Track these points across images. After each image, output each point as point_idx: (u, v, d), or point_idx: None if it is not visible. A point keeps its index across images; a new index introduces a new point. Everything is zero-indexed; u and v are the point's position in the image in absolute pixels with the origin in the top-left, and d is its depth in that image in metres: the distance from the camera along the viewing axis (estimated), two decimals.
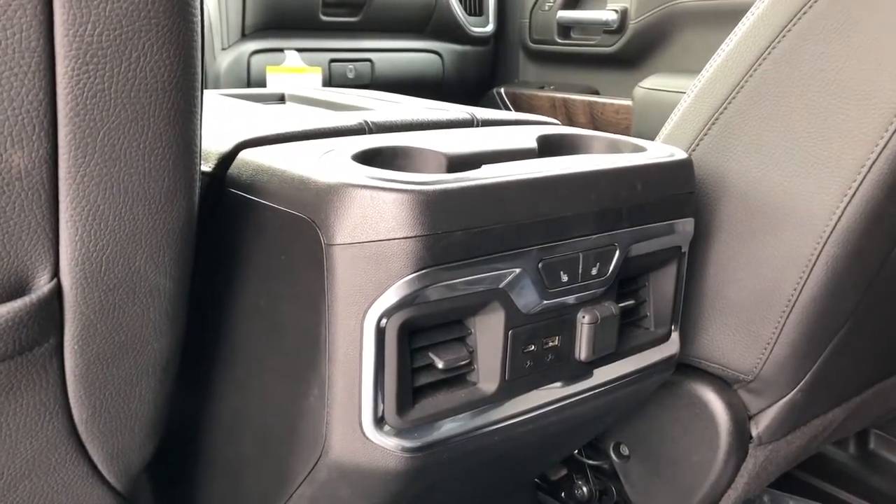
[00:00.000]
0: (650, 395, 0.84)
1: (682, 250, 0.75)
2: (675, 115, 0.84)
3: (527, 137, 0.74)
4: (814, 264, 0.74)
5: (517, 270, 0.60)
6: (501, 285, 0.60)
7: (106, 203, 0.48)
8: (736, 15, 0.81)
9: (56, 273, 0.48)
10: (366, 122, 0.77)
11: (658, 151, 0.72)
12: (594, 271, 0.65)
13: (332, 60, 2.11)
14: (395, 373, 0.57)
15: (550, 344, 0.65)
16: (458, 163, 0.65)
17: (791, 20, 0.74)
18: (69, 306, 0.50)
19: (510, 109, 2.35)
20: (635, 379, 0.74)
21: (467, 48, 2.41)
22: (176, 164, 0.50)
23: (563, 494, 1.13)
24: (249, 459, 0.70)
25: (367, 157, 0.62)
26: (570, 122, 2.16)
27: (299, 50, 2.01)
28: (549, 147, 0.73)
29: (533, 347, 0.64)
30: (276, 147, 0.67)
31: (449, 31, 2.34)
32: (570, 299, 0.64)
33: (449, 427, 0.61)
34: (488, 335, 0.62)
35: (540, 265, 0.61)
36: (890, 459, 1.30)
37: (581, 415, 0.72)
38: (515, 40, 2.46)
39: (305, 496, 0.65)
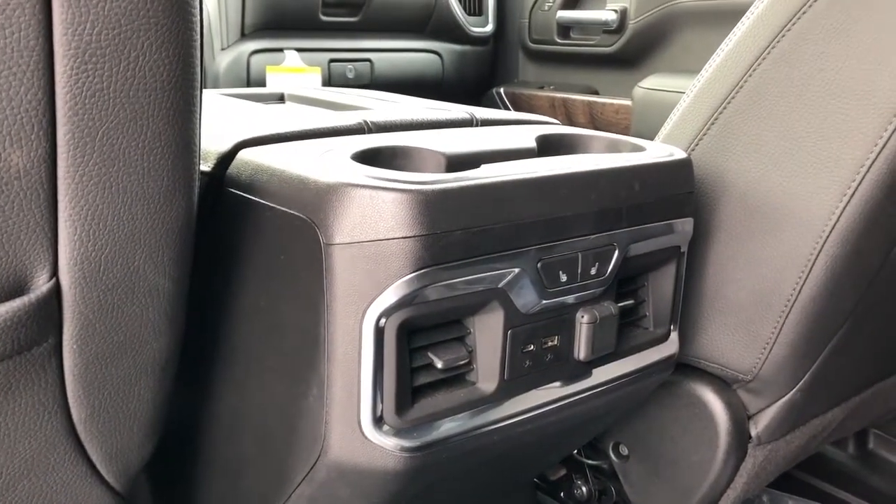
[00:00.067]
0: (649, 394, 0.84)
1: (682, 250, 0.75)
2: (674, 115, 0.84)
3: (526, 137, 0.74)
4: (813, 264, 0.74)
5: (516, 270, 0.60)
6: (500, 285, 0.60)
7: (105, 202, 0.48)
8: (735, 15, 0.81)
9: (55, 273, 0.48)
10: (365, 121, 0.77)
11: (657, 151, 0.72)
12: (593, 271, 0.65)
13: (332, 60, 2.11)
14: (394, 372, 0.57)
15: (549, 344, 0.65)
16: (458, 162, 0.65)
17: (790, 20, 0.74)
18: (68, 306, 0.50)
19: (510, 109, 2.35)
20: (634, 379, 0.74)
21: (467, 48, 2.41)
22: (175, 163, 0.50)
23: (562, 494, 1.13)
24: (248, 459, 0.70)
25: (367, 157, 0.62)
26: (570, 121, 2.16)
27: (299, 50, 2.01)
28: (548, 147, 0.73)
29: (532, 347, 0.64)
30: (275, 147, 0.67)
31: (448, 31, 2.34)
32: (570, 299, 0.64)
33: (448, 427, 0.61)
34: (487, 335, 0.62)
35: (539, 265, 0.61)
36: (889, 459, 1.30)
37: (580, 414, 0.72)
38: (515, 40, 2.46)
39: (304, 496, 0.65)
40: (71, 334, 0.51)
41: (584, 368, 0.69)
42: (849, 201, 0.71)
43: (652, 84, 1.88)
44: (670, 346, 0.78)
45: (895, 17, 0.68)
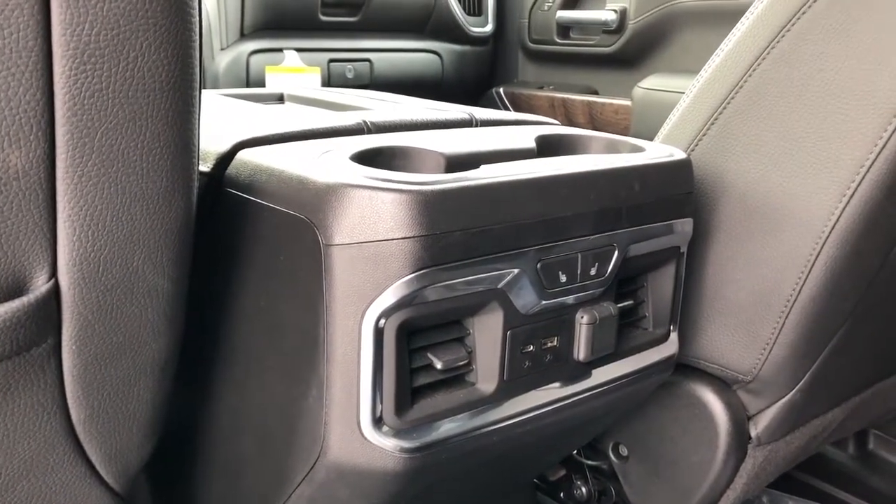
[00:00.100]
0: (649, 395, 0.84)
1: (681, 250, 0.75)
2: (673, 116, 0.84)
3: (526, 137, 0.74)
4: (812, 265, 0.74)
5: (516, 271, 0.60)
6: (500, 286, 0.59)
7: (104, 203, 0.48)
8: (735, 15, 0.81)
9: (54, 273, 0.48)
10: (364, 122, 0.77)
11: (657, 152, 0.72)
12: (593, 271, 0.65)
13: (332, 60, 2.11)
14: (394, 373, 0.57)
15: (549, 344, 0.65)
16: (457, 163, 0.65)
17: (790, 20, 0.74)
18: (67, 306, 0.50)
19: (509, 109, 2.35)
20: (634, 379, 0.74)
21: (466, 48, 2.41)
22: (174, 164, 0.50)
23: (561, 495, 1.13)
24: (248, 460, 0.70)
25: (366, 158, 0.62)
26: (569, 122, 2.16)
27: (298, 50, 2.01)
28: (547, 147, 0.73)
29: (531, 348, 0.63)
30: (274, 147, 0.67)
31: (448, 31, 2.34)
32: (569, 299, 0.64)
33: (447, 427, 0.61)
34: (487, 335, 0.62)
35: (538, 265, 0.61)
36: (889, 459, 1.30)
37: (580, 415, 0.72)
38: (514, 40, 2.46)
39: (304, 496, 0.65)
40: (70, 335, 0.51)
41: (584, 369, 0.69)
42: (848, 202, 0.71)
43: (651, 84, 1.88)
44: (670, 347, 0.78)
45: (894, 17, 0.68)
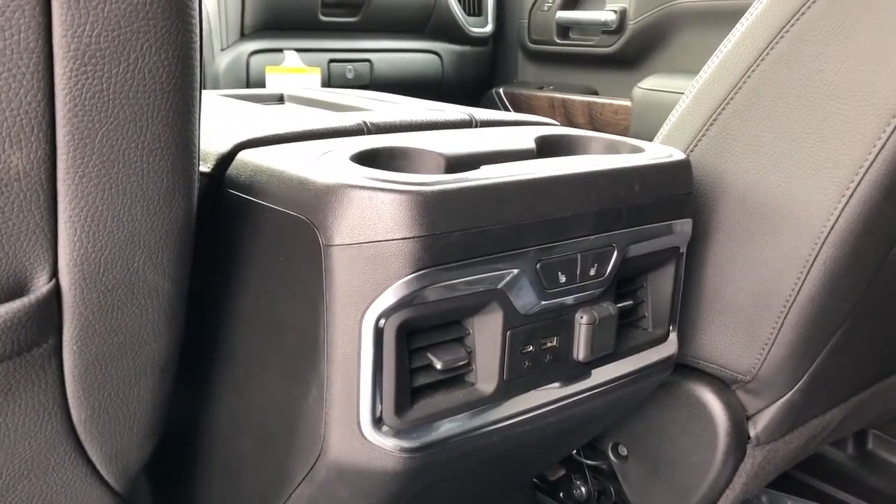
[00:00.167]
0: (648, 395, 0.84)
1: (681, 251, 0.75)
2: (673, 116, 0.84)
3: (525, 138, 0.74)
4: (811, 265, 0.74)
5: (515, 271, 0.60)
6: (500, 286, 0.60)
7: (104, 204, 0.48)
8: (735, 15, 0.81)
9: (55, 274, 0.49)
10: (364, 122, 0.77)
11: (656, 152, 0.72)
12: (592, 272, 0.65)
13: (332, 61, 2.11)
14: (394, 373, 0.57)
15: (549, 344, 0.65)
16: (457, 163, 0.65)
17: (789, 21, 0.74)
18: (68, 307, 0.50)
19: (509, 110, 2.35)
20: (633, 379, 0.74)
21: (466, 48, 2.42)
22: (174, 164, 0.50)
23: (561, 495, 1.13)
24: (248, 460, 0.70)
25: (366, 158, 0.62)
26: (569, 122, 2.16)
27: (298, 50, 2.01)
28: (547, 148, 0.74)
29: (531, 348, 0.64)
30: (274, 148, 0.67)
31: (448, 31, 2.34)
32: (569, 300, 0.65)
33: (447, 427, 0.61)
34: (487, 336, 0.62)
35: (538, 266, 0.61)
36: (888, 459, 1.30)
37: (579, 415, 0.72)
38: (514, 41, 2.46)
39: (304, 496, 0.65)
40: (71, 335, 0.51)
41: (584, 369, 0.69)
42: (847, 202, 0.71)
43: (651, 85, 1.88)
44: (669, 347, 0.78)
45: (894, 18, 0.69)
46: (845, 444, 1.33)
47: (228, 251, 0.65)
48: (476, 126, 0.86)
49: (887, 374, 1.06)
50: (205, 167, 0.66)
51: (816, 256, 0.74)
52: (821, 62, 0.72)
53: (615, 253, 0.67)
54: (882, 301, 0.86)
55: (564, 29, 2.28)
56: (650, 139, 0.84)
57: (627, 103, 1.99)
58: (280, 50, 1.99)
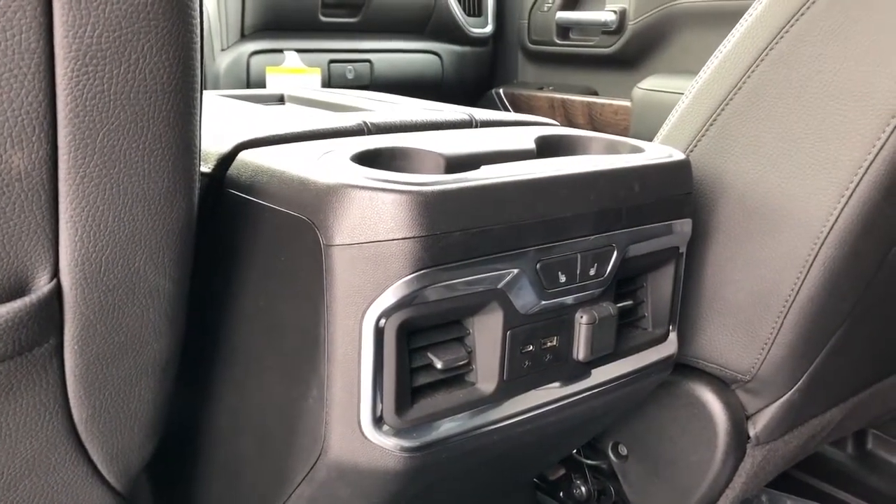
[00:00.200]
0: (648, 395, 0.84)
1: (680, 251, 0.75)
2: (673, 116, 0.84)
3: (525, 138, 0.74)
4: (811, 265, 0.74)
5: (515, 271, 0.60)
6: (500, 286, 0.60)
7: (105, 204, 0.48)
8: (734, 16, 0.81)
9: (56, 273, 0.49)
10: (365, 122, 0.77)
11: (656, 152, 0.72)
12: (592, 272, 0.65)
13: (332, 61, 2.11)
14: (394, 373, 0.57)
15: (549, 344, 0.65)
16: (457, 164, 0.65)
17: (789, 21, 0.74)
18: (69, 307, 0.50)
19: (509, 110, 2.35)
20: (633, 379, 0.74)
21: (466, 49, 2.42)
22: (175, 165, 0.50)
23: (561, 494, 1.13)
24: (248, 459, 0.70)
25: (366, 158, 0.62)
26: (569, 122, 2.16)
27: (299, 51, 2.01)
28: (547, 148, 0.74)
29: (531, 348, 0.64)
30: (275, 148, 0.67)
31: (448, 31, 2.34)
32: (569, 300, 0.65)
33: (447, 427, 0.61)
34: (487, 335, 0.62)
35: (538, 266, 0.61)
36: (888, 459, 1.30)
37: (579, 415, 0.72)
38: (514, 41, 2.46)
39: (304, 496, 0.65)
40: (72, 335, 0.51)
41: (584, 369, 0.69)
42: (847, 202, 0.71)
43: (651, 85, 1.88)
44: (669, 347, 0.78)
45: (893, 18, 0.69)
46: (845, 443, 1.33)
47: (229, 251, 0.65)
48: (476, 126, 0.86)
49: (887, 374, 1.06)
50: (206, 167, 0.66)
51: (816, 256, 0.74)
52: (820, 63, 0.73)
53: (615, 253, 0.67)
54: (882, 301, 0.86)
55: (564, 29, 2.28)
56: (650, 139, 0.84)
57: (627, 103, 1.99)
58: (280, 50, 2.00)
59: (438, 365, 0.60)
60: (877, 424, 1.30)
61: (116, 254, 0.50)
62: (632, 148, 0.75)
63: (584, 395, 0.70)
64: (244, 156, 0.66)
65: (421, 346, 0.60)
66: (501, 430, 0.64)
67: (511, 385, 0.64)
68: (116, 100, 0.46)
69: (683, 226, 0.73)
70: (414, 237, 0.54)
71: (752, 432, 0.88)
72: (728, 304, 0.81)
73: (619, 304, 0.70)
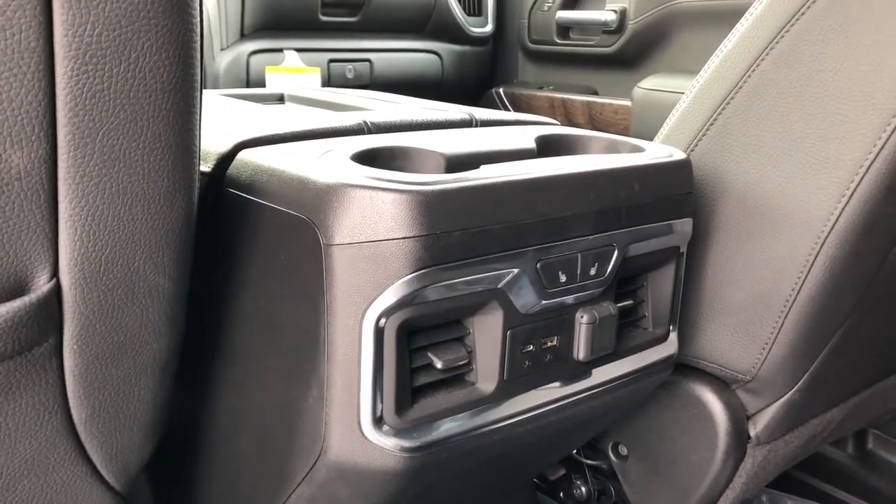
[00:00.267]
0: (648, 395, 0.84)
1: (681, 250, 0.75)
2: (673, 116, 0.84)
3: (525, 138, 0.74)
4: (811, 265, 0.74)
5: (515, 271, 0.60)
6: (500, 285, 0.60)
7: (105, 203, 0.48)
8: (735, 15, 0.81)
9: (55, 273, 0.49)
10: (365, 122, 0.77)
11: (656, 152, 0.72)
12: (592, 271, 0.65)
13: (332, 60, 2.11)
14: (394, 373, 0.57)
15: (549, 344, 0.65)
16: (457, 163, 0.65)
17: (789, 21, 0.74)
18: (68, 306, 0.50)
19: (509, 110, 2.35)
20: (634, 379, 0.74)
21: (466, 48, 2.42)
22: (175, 164, 0.50)
23: (561, 494, 1.13)
24: (248, 459, 0.70)
25: (366, 158, 0.62)
26: (569, 122, 2.16)
27: (298, 50, 2.01)
28: (547, 147, 0.74)
29: (531, 347, 0.64)
30: (275, 147, 0.67)
31: (448, 31, 2.34)
32: (569, 299, 0.65)
33: (448, 427, 0.61)
34: (487, 335, 0.62)
35: (538, 265, 0.61)
36: (888, 459, 1.30)
37: (579, 415, 0.72)
38: (514, 40, 2.46)
39: (304, 496, 0.65)
40: (71, 334, 0.51)
41: (584, 369, 0.69)
42: (847, 202, 0.71)
43: (651, 84, 1.88)
44: (669, 347, 0.78)
45: (893, 18, 0.69)
46: (845, 443, 1.33)
47: (229, 250, 0.65)
48: (476, 126, 0.86)
49: (887, 373, 1.06)
50: (205, 167, 0.66)
51: (816, 256, 0.74)
52: (821, 62, 0.72)
53: (615, 252, 0.67)
54: (882, 301, 0.86)
55: (564, 29, 2.28)
56: (650, 139, 0.84)
57: (627, 103, 1.99)
58: (280, 50, 2.00)
59: (438, 365, 0.60)
60: (877, 424, 1.30)
61: (116, 253, 0.50)
62: (632, 147, 0.75)
63: (584, 395, 0.70)
64: (244, 155, 0.66)
65: (421, 346, 0.60)
66: (501, 430, 0.64)
67: (511, 385, 0.64)
68: (116, 99, 0.46)
69: (684, 225, 0.73)
70: (414, 237, 0.54)
71: (752, 432, 0.88)
72: (728, 304, 0.81)
73: (619, 304, 0.70)
